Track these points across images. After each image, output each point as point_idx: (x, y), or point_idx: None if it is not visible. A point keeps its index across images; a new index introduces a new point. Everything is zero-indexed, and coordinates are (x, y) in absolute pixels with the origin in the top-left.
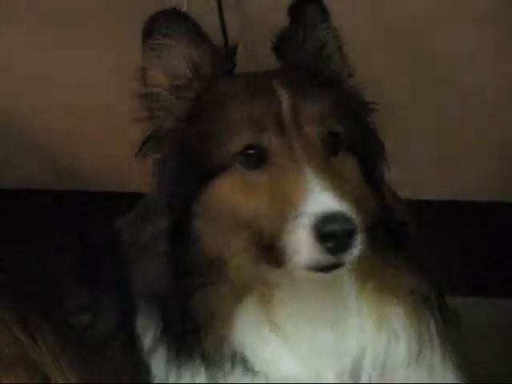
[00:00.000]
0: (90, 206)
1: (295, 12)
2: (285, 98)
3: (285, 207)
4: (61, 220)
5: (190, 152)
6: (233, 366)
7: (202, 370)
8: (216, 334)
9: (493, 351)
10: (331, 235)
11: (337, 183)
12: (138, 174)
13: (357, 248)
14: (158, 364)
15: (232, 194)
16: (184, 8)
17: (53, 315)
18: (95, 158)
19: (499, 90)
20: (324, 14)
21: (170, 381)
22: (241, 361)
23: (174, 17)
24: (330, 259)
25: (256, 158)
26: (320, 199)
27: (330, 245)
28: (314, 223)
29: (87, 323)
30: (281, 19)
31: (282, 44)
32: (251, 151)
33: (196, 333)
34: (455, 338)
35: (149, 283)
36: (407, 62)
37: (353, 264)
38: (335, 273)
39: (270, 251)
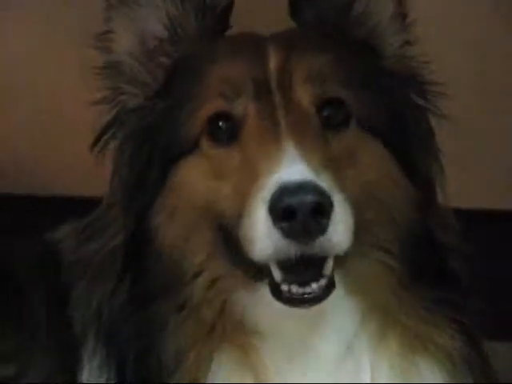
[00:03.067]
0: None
1: None
2: (273, 54)
3: (248, 186)
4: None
5: (152, 136)
6: None
7: None
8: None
9: None
10: (287, 211)
11: (333, 164)
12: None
13: (332, 236)
14: None
15: (195, 176)
16: None
17: None
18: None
19: None
20: None
21: None
22: None
23: None
24: (290, 248)
25: (227, 132)
26: (288, 170)
27: (283, 225)
28: (270, 197)
29: (13, 374)
30: None
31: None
32: (221, 123)
33: (160, 377)
34: None
35: (103, 314)
36: None
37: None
38: (314, 307)
39: (235, 247)
